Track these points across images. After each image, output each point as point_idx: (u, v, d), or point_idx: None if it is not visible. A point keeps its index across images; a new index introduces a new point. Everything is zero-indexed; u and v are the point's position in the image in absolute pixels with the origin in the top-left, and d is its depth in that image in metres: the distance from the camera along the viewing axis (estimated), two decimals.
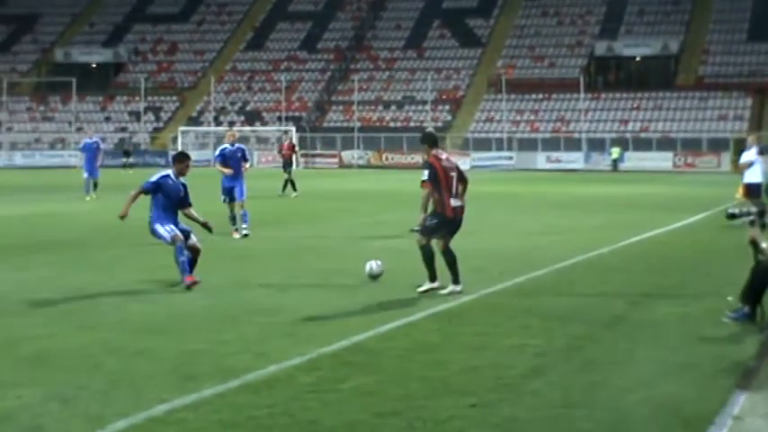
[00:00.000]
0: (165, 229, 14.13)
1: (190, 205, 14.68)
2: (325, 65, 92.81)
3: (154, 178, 14.39)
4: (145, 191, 14.30)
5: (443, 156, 13.80)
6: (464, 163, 75.76)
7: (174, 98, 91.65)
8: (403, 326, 11.23)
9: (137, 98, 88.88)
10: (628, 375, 8.97)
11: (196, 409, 7.82)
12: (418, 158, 78.07)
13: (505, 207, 32.12)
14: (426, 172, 13.54)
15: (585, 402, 8.08)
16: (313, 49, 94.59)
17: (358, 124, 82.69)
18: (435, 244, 13.57)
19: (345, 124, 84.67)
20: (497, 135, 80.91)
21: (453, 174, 13.58)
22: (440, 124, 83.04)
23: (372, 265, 14.39)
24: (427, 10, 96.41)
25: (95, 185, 33.94)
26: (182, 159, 14.66)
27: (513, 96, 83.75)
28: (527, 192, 41.39)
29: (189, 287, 13.57)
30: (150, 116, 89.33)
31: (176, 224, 14.40)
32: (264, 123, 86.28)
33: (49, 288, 13.79)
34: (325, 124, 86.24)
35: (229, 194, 21.58)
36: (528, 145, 78.37)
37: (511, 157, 77.37)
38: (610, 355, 9.86)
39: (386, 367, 9.26)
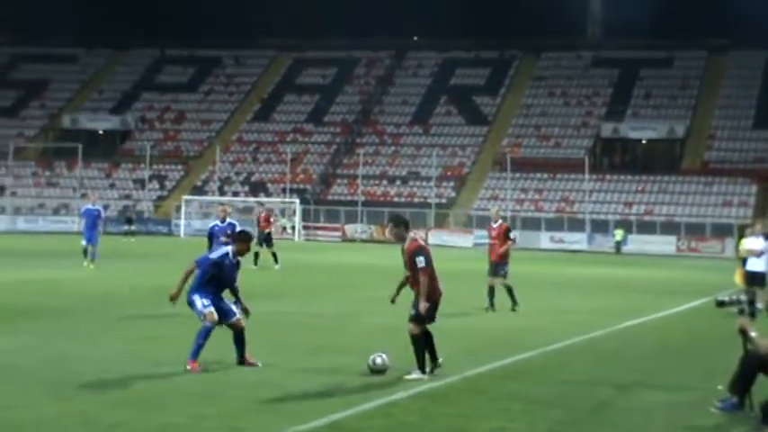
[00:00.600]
0: (203, 303, 13.33)
1: (235, 283, 14.02)
2: (331, 138, 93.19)
3: (214, 257, 13.55)
4: (203, 271, 13.43)
5: (421, 238, 13.79)
6: (467, 240, 75.77)
7: (180, 167, 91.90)
8: (384, 405, 11.07)
9: (142, 166, 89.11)
10: None
11: None
12: (421, 233, 77.99)
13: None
14: (422, 258, 13.35)
15: None
16: (320, 121, 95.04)
17: (362, 198, 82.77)
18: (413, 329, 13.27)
19: (350, 198, 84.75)
20: (501, 213, 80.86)
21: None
22: (444, 200, 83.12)
23: (376, 359, 13.41)
24: (434, 86, 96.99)
25: (93, 253, 33.43)
26: (245, 240, 13.80)
27: (517, 175, 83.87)
28: (527, 271, 41.21)
29: (189, 370, 12.85)
30: (155, 184, 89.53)
31: (217, 301, 13.54)
32: (269, 195, 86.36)
33: (31, 356, 13.64)
34: (329, 197, 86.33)
35: None
36: (531, 224, 78.31)
37: (514, 236, 77.21)
38: None
39: None
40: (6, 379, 11.93)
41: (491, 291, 22.88)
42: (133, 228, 72.54)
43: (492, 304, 22.63)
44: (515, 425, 10.16)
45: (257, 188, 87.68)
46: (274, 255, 36.25)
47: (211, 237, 20.47)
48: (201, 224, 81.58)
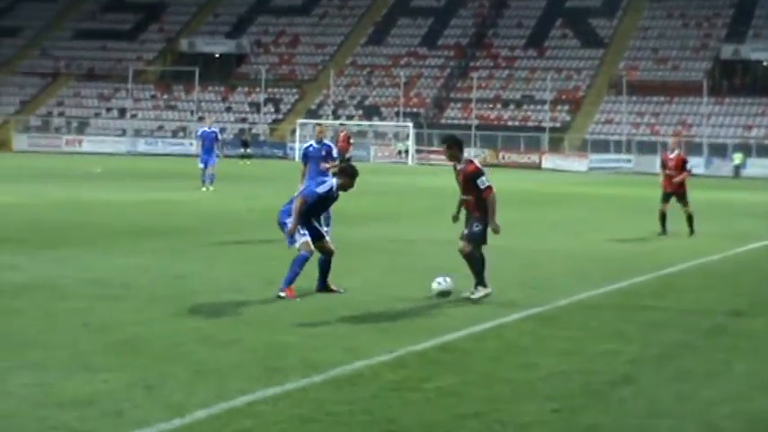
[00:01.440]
0: (300, 231, 13.03)
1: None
2: (444, 61, 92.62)
3: (321, 191, 13.32)
4: (309, 204, 13.18)
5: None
6: (581, 164, 74.99)
7: (294, 90, 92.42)
8: (495, 327, 11.09)
9: (257, 89, 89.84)
10: (720, 387, 8.69)
11: (276, 403, 7.79)
12: (535, 158, 77.53)
13: (618, 210, 31.62)
14: (484, 179, 13.22)
15: (673, 413, 7.84)
16: (433, 45, 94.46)
17: (476, 122, 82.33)
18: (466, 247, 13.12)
19: (463, 122, 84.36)
20: (616, 137, 79.79)
21: None
22: (558, 124, 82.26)
23: (441, 281, 13.18)
24: (550, 9, 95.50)
25: (211, 176, 33.48)
26: (352, 175, 13.62)
27: (633, 98, 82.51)
28: (642, 195, 40.61)
29: (280, 297, 12.59)
30: (270, 108, 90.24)
31: (311, 226, 13.31)
32: (383, 118, 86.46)
33: (150, 274, 13.97)
34: (442, 121, 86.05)
35: None
36: (647, 148, 77.07)
37: (629, 160, 76.23)
38: (704, 365, 9.57)
39: (473, 368, 9.13)
40: (127, 296, 12.24)
41: (662, 216, 22.57)
42: (249, 151, 73.32)
43: (664, 230, 22.34)
44: (629, 348, 10.10)
45: (371, 112, 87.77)
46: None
47: (306, 158, 20.00)
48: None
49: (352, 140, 39.30)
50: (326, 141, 20.79)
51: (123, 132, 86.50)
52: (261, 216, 24.66)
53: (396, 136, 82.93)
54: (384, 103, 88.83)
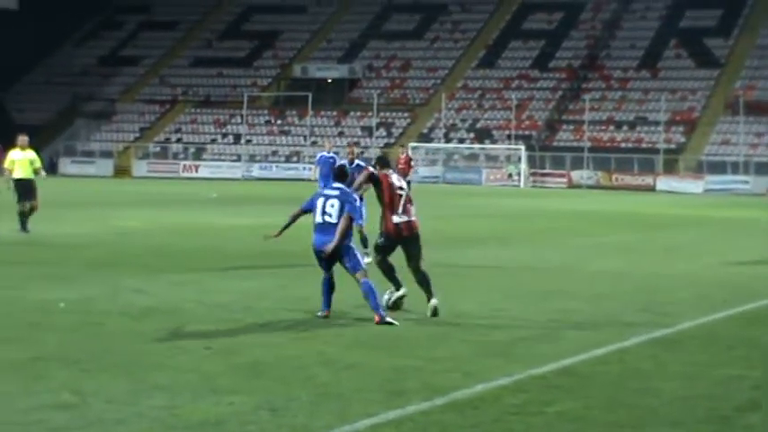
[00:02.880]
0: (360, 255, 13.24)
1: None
2: (556, 83, 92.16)
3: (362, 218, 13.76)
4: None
5: (393, 176, 13.60)
6: (697, 186, 73.79)
7: (406, 114, 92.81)
8: (615, 351, 10.99)
9: (369, 113, 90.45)
10: None
11: (399, 426, 7.85)
12: (649, 180, 76.59)
13: (736, 233, 31.07)
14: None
15: None
16: (545, 67, 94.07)
17: (588, 144, 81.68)
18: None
19: (575, 144, 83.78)
20: (733, 158, 78.41)
21: (401, 193, 13.46)
22: (673, 146, 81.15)
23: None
24: (663, 29, 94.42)
25: None
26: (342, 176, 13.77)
27: (750, 118, 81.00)
28: (760, 217, 39.87)
29: (388, 323, 12.39)
30: (382, 131, 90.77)
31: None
32: (494, 141, 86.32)
33: (270, 298, 14.16)
34: (554, 143, 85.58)
35: None
36: (765, 169, 75.61)
37: (747, 182, 74.82)
38: None
39: (595, 392, 9.08)
40: (248, 319, 12.43)
41: None
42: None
43: None
44: (754, 373, 9.93)
45: (482, 135, 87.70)
46: None
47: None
48: (428, 171, 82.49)
49: (413, 163, 38.71)
50: (359, 161, 20.33)
51: (238, 158, 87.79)
52: (373, 241, 24.78)
53: (507, 159, 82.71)
54: (495, 126, 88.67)
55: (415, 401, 8.52)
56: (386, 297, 13.27)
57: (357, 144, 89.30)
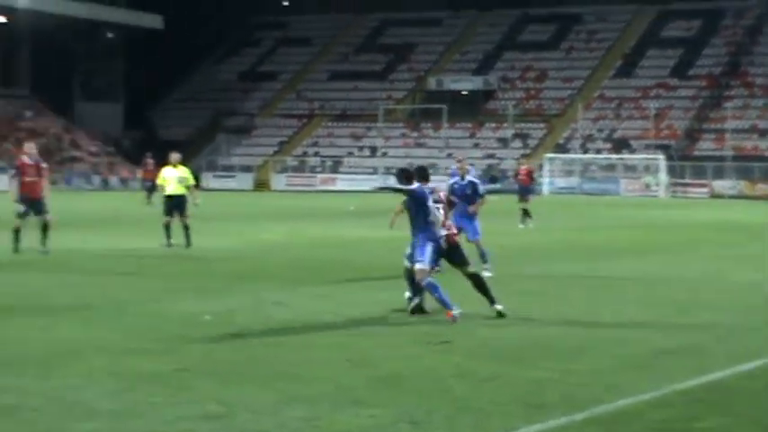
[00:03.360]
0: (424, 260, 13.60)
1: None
2: (696, 92, 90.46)
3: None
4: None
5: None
6: None
7: (542, 125, 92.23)
8: (763, 365, 10.71)
9: (505, 125, 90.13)
10: None
11: None
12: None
13: None
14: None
15: None
16: (684, 75, 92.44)
17: (731, 153, 79.94)
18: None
19: (717, 153, 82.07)
20: None
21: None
22: None
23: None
24: None
25: None
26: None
27: None
28: None
29: (454, 318, 13.10)
30: (518, 143, 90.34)
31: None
32: (632, 151, 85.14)
33: (405, 310, 14.19)
34: (695, 152, 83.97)
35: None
36: None
37: None
38: None
39: (741, 408, 8.87)
40: (386, 332, 12.51)
41: None
42: (498, 186, 73.53)
43: None
44: None
45: (620, 145, 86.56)
46: (527, 212, 34.24)
47: (451, 196, 17.75)
48: (565, 182, 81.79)
49: (534, 175, 37.50)
50: (470, 177, 19.53)
51: (374, 170, 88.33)
52: (513, 252, 24.70)
53: (646, 169, 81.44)
54: (633, 136, 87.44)
55: (554, 415, 8.44)
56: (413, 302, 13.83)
57: (493, 156, 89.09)
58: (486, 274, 16.73)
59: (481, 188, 19.68)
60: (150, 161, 50.10)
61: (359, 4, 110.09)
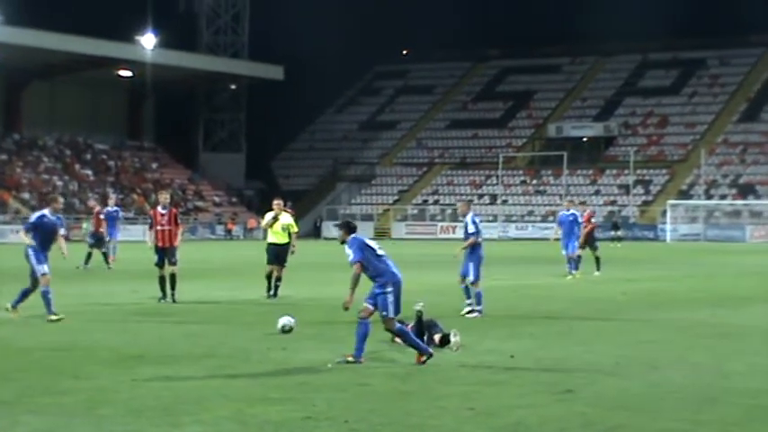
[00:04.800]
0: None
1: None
2: None
3: None
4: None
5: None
6: None
7: (664, 171, 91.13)
8: None
9: (626, 171, 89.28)
10: None
11: None
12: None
13: None
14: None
15: None
16: None
17: None
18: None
19: None
20: None
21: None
22: None
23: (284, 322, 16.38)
24: None
25: (572, 262, 31.44)
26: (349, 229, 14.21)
27: None
28: None
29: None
30: (639, 189, 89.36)
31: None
32: (758, 197, 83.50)
33: (531, 359, 14.11)
34: None
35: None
36: None
37: None
38: None
39: None
40: (510, 380, 12.44)
41: None
42: (620, 233, 72.74)
43: None
44: None
45: (745, 191, 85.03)
46: (597, 259, 33.24)
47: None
48: (688, 229, 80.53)
49: (593, 219, 35.05)
50: (467, 219, 20.44)
51: (495, 218, 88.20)
52: (636, 298, 24.39)
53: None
54: (759, 181, 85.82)
55: None
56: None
57: (614, 202, 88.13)
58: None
59: (470, 227, 20.64)
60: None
61: (479, 53, 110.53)
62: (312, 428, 9.65)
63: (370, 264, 13.78)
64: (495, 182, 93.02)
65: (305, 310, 20.73)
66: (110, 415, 10.23)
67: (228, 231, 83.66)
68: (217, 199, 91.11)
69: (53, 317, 18.12)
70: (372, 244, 14.01)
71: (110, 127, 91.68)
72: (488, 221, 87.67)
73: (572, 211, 32.29)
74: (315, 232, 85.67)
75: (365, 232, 71.37)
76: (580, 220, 32.17)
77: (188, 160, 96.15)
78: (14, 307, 18.54)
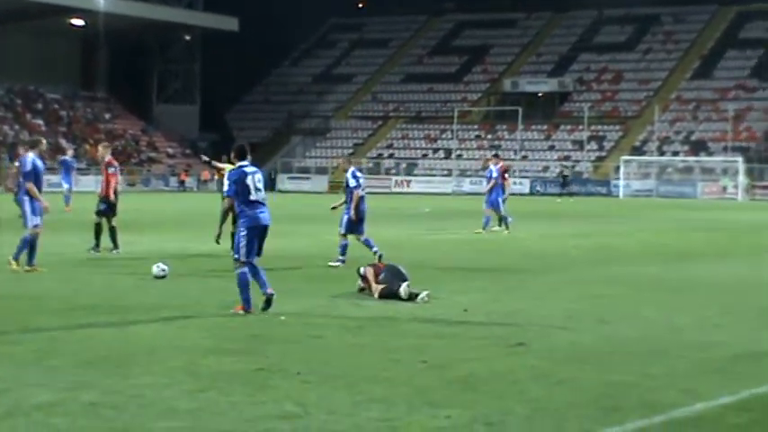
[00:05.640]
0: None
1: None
2: None
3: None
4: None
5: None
6: None
7: (618, 127, 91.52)
8: None
9: (580, 127, 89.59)
10: None
11: None
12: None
13: None
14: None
15: None
16: (764, 76, 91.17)
17: None
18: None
19: None
20: None
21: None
22: None
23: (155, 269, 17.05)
24: None
25: (487, 219, 31.16)
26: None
27: None
28: None
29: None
30: (593, 145, 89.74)
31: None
32: (710, 153, 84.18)
33: (482, 312, 14.19)
34: None
35: None
36: None
37: None
38: None
39: None
40: (461, 333, 12.50)
41: None
42: (571, 189, 72.99)
43: None
44: None
45: (697, 147, 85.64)
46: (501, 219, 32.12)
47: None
48: (640, 185, 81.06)
49: (507, 175, 34.45)
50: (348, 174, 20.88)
51: (449, 172, 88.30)
52: (587, 254, 24.56)
53: (724, 172, 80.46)
54: (711, 138, 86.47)
55: (632, 418, 8.39)
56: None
57: (568, 158, 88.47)
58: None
59: (351, 182, 20.90)
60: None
61: (434, 6, 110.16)
62: (264, 380, 9.66)
63: (238, 203, 13.77)
64: (450, 136, 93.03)
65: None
66: (60, 366, 10.19)
67: (182, 183, 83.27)
68: (170, 150, 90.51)
69: (15, 265, 17.86)
70: (252, 186, 13.82)
71: (62, 77, 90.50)
72: (443, 176, 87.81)
73: (491, 167, 32.36)
74: (269, 184, 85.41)
75: (320, 185, 70.65)
76: (495, 174, 31.81)
77: (141, 111, 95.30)
78: (16, 259, 18.19)
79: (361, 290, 15.71)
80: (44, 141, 19.36)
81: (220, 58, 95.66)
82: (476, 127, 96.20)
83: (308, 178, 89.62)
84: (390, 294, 15.06)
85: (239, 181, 13.72)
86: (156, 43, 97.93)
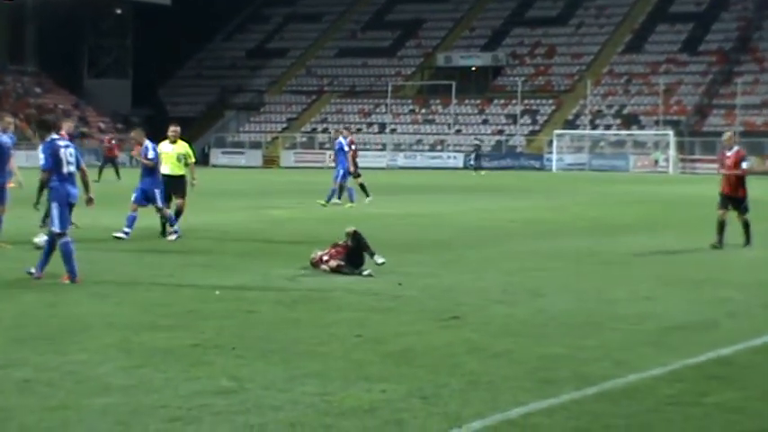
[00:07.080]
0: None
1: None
2: (706, 67, 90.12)
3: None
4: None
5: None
6: None
7: (551, 101, 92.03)
8: None
9: (514, 101, 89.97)
10: None
11: (551, 414, 7.83)
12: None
13: None
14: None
15: None
16: (694, 51, 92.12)
17: (740, 129, 79.69)
18: None
19: (727, 129, 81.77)
20: None
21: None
22: None
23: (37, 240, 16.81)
24: None
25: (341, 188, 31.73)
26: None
27: None
28: None
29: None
30: (526, 119, 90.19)
31: None
32: (641, 127, 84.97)
33: (418, 287, 14.23)
34: (704, 128, 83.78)
35: None
36: None
37: None
38: None
39: (754, 383, 8.90)
40: (397, 308, 12.53)
41: None
42: (482, 162, 72.75)
43: None
44: None
45: (629, 121, 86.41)
46: (362, 186, 32.73)
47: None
48: (573, 158, 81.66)
49: (354, 146, 33.53)
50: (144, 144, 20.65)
51: (383, 147, 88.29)
52: (522, 227, 24.72)
53: (655, 145, 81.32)
54: (643, 112, 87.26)
55: (566, 390, 8.47)
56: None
57: (502, 132, 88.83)
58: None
59: (150, 153, 20.68)
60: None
61: None
62: (200, 356, 9.62)
63: (53, 175, 14.08)
64: (383, 111, 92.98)
65: (192, 238, 20.57)
66: None
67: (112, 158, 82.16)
68: (102, 125, 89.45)
69: None
70: (64, 159, 14.10)
71: None
72: (377, 150, 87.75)
73: (339, 139, 32.58)
74: (203, 159, 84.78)
75: (254, 160, 70.09)
76: (345, 148, 32.09)
77: (73, 86, 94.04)
78: None
79: (316, 263, 15.67)
80: (9, 117, 18.73)
81: (153, 33, 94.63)
82: (410, 101, 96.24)
83: (242, 153, 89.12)
84: (344, 273, 15.07)
85: (54, 154, 14.07)
86: (87, 17, 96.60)
